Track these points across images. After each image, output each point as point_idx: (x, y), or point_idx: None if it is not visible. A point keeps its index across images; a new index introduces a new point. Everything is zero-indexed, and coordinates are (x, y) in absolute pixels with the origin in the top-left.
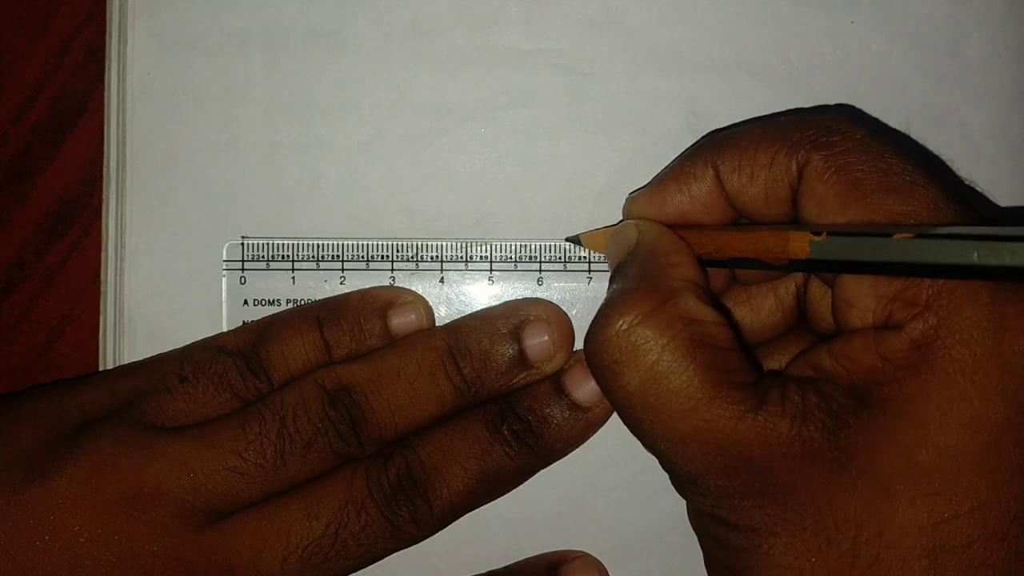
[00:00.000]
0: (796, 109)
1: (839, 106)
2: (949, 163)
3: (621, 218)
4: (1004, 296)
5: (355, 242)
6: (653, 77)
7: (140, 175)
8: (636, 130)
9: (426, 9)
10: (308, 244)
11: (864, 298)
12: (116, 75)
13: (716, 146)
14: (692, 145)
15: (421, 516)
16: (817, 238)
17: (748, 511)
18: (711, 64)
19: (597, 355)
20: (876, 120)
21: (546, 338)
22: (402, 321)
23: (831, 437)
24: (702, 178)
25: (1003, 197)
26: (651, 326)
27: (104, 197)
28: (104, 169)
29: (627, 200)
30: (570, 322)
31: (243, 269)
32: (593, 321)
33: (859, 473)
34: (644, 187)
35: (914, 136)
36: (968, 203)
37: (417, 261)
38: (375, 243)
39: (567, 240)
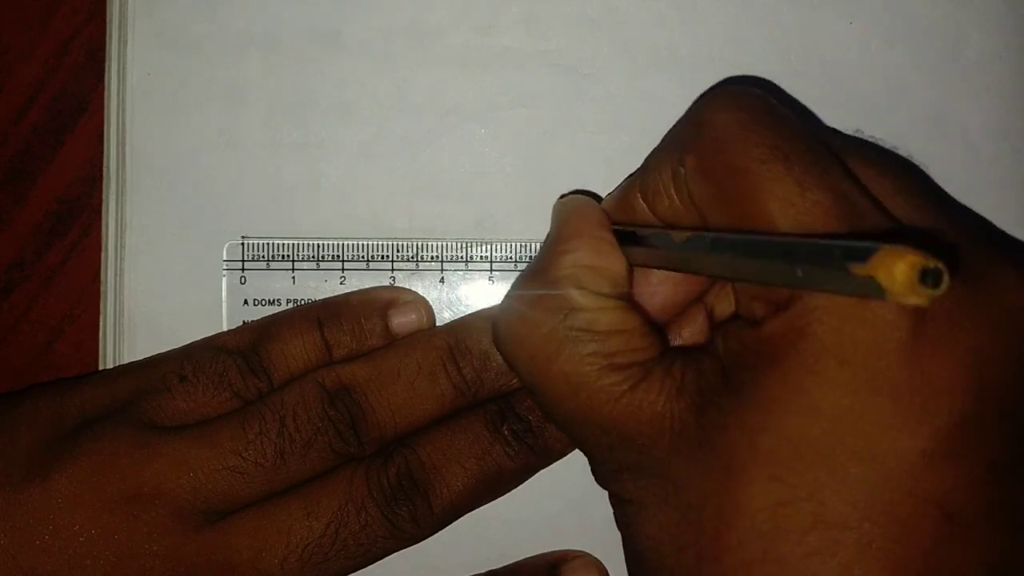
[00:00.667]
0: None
1: (730, 80)
2: (947, 167)
3: None
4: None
5: (355, 242)
6: (653, 77)
7: (140, 175)
8: (636, 130)
9: (426, 9)
10: (308, 244)
11: (737, 291)
12: (116, 75)
13: (637, 175)
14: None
15: (421, 516)
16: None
17: (628, 484)
18: (711, 64)
19: (498, 340)
20: (761, 90)
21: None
22: (403, 321)
23: (697, 415)
24: (638, 209)
25: (1004, 197)
26: (532, 317)
27: (104, 197)
28: (104, 169)
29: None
30: None
31: (243, 269)
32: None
33: (712, 452)
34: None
35: (914, 136)
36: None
37: (417, 261)
38: (375, 243)
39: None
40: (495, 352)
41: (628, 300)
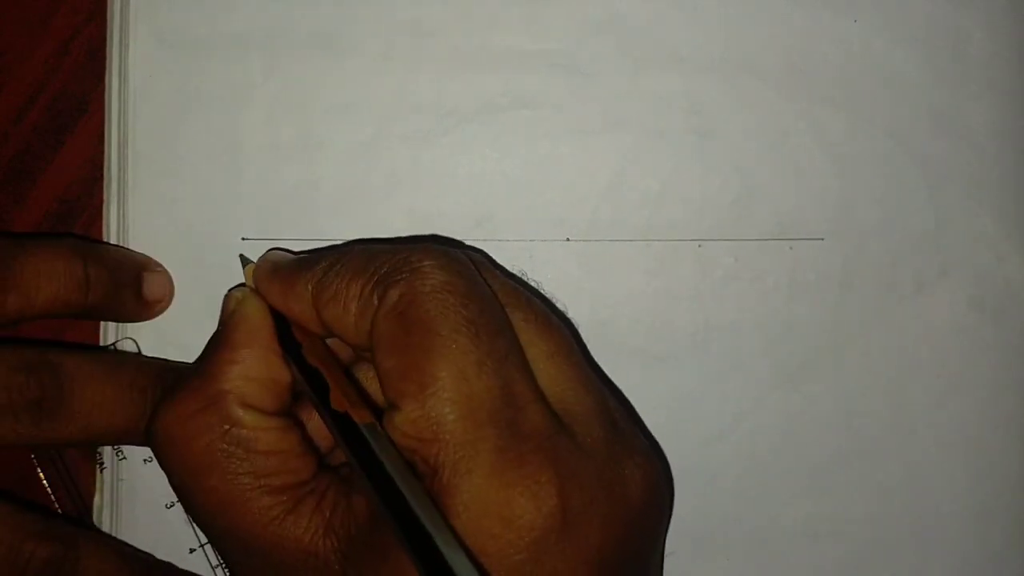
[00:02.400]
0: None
1: (433, 237)
2: (950, 166)
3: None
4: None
5: None
6: (654, 77)
7: (141, 177)
8: (637, 130)
9: (426, 10)
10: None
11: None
12: (117, 77)
13: (321, 269)
14: (318, 251)
15: None
16: (360, 420)
17: None
18: (712, 64)
19: (151, 442)
20: (467, 254)
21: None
22: (154, 282)
23: (342, 561)
24: (300, 298)
25: (1005, 197)
26: (191, 426)
27: (105, 198)
28: (104, 170)
29: (263, 255)
30: None
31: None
32: (159, 399)
33: None
34: (276, 256)
35: (915, 136)
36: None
37: None
38: None
39: (240, 256)
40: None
41: (287, 415)
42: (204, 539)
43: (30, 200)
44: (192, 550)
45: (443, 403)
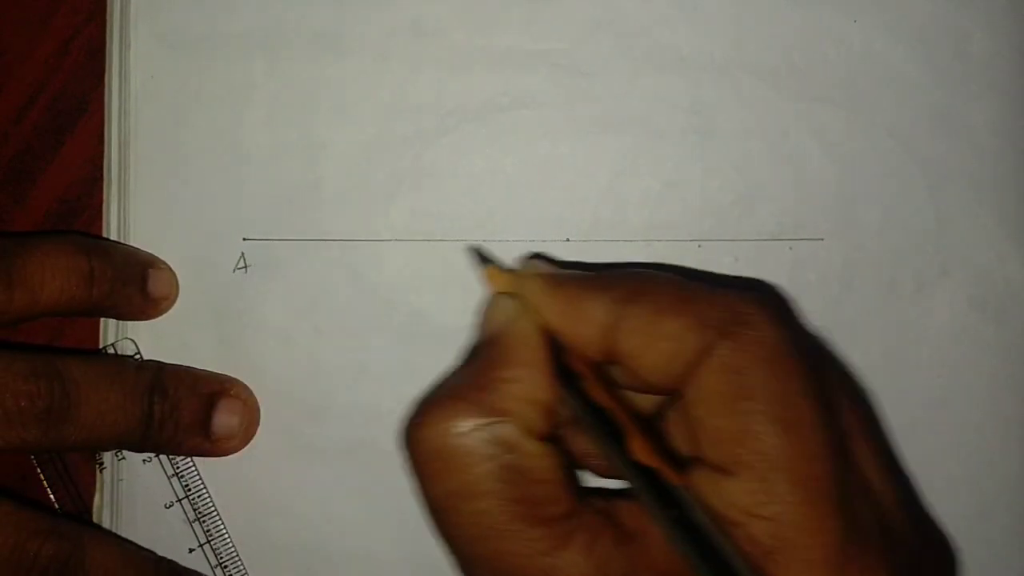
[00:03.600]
0: (712, 275)
1: (755, 283)
2: (951, 165)
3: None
4: None
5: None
6: (655, 77)
7: (142, 178)
8: (638, 130)
9: (427, 10)
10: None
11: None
12: (117, 77)
13: (622, 297)
14: (608, 274)
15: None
16: (677, 481)
17: None
18: (713, 64)
19: (409, 449)
20: (790, 308)
21: (236, 419)
22: (160, 278)
23: None
24: (592, 322)
25: (1005, 197)
26: (466, 443)
27: (105, 198)
28: (105, 171)
29: (528, 265)
30: (259, 412)
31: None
32: (419, 404)
33: None
34: (548, 270)
35: (915, 136)
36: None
37: None
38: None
39: (470, 249)
40: (186, 404)
41: (556, 440)
42: (203, 539)
43: (30, 200)
44: (191, 550)
45: (788, 481)
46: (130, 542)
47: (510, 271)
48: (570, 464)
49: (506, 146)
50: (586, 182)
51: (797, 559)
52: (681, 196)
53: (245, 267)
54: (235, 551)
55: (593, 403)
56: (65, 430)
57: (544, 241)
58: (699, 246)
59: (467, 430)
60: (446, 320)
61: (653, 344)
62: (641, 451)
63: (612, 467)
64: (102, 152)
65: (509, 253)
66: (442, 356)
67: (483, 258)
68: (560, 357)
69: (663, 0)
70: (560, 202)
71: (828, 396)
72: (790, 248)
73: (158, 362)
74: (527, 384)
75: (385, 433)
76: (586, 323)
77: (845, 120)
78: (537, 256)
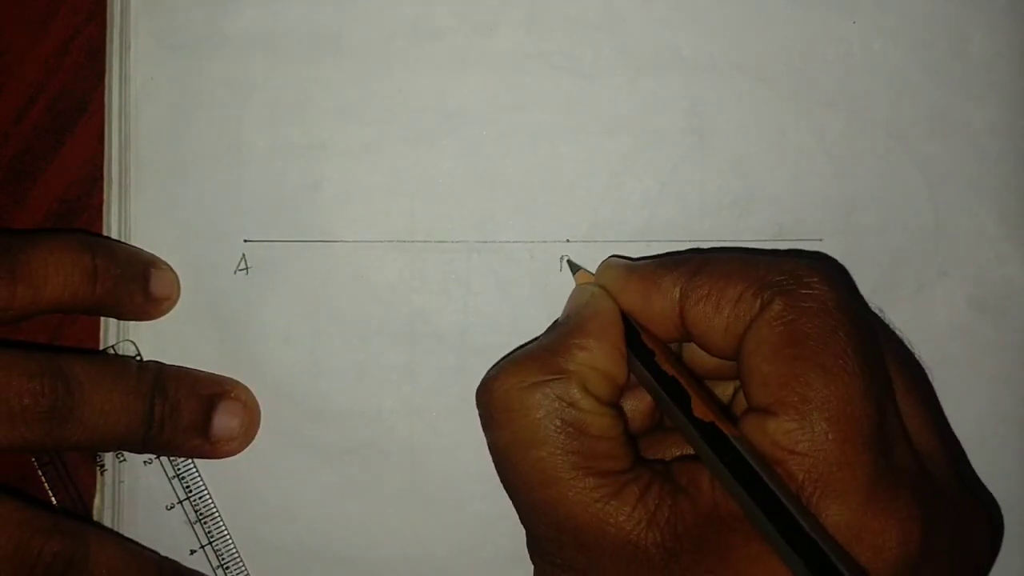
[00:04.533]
0: (775, 250)
1: (816, 254)
2: (950, 165)
3: (609, 254)
4: None
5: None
6: (654, 78)
7: (143, 179)
8: (637, 131)
9: (427, 12)
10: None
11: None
12: (118, 78)
13: (690, 270)
14: (675, 255)
15: None
16: (731, 432)
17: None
18: (712, 65)
19: (480, 401)
20: (849, 278)
21: (236, 421)
22: (162, 278)
23: (664, 554)
24: (665, 295)
25: (1005, 197)
26: (531, 396)
27: (106, 199)
28: (105, 171)
29: (604, 262)
30: (259, 414)
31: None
32: (494, 366)
33: None
34: (625, 261)
35: (915, 136)
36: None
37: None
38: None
39: (568, 262)
40: (186, 406)
41: (617, 407)
42: (204, 541)
43: (30, 200)
44: (193, 551)
45: (825, 420)
46: (133, 541)
47: (582, 270)
48: (627, 431)
49: (506, 147)
50: (586, 182)
51: (831, 492)
52: (680, 197)
53: (246, 269)
54: (236, 552)
55: (662, 373)
56: (68, 430)
57: (544, 241)
58: (699, 246)
59: (533, 383)
60: (446, 320)
61: (719, 309)
62: (700, 410)
63: (676, 426)
64: (102, 152)
65: (509, 253)
66: (442, 356)
67: (574, 267)
68: (635, 339)
69: (663, 1)
70: (560, 202)
71: (874, 351)
72: (790, 248)
73: (159, 363)
74: (595, 353)
75: (385, 433)
76: (660, 299)
77: (844, 120)
78: (616, 257)
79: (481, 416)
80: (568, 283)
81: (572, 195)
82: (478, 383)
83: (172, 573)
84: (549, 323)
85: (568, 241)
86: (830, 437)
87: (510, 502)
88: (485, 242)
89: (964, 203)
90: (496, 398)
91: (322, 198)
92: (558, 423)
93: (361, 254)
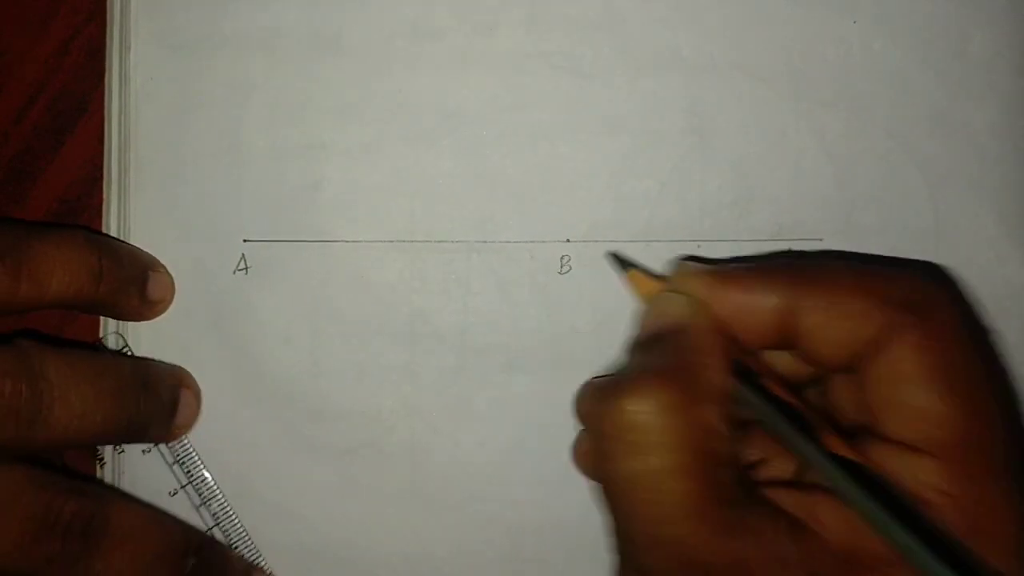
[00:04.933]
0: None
1: (924, 263)
2: (950, 166)
3: (674, 265)
4: None
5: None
6: (654, 78)
7: (142, 179)
8: (637, 131)
9: (427, 11)
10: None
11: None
12: (117, 78)
13: (794, 279)
14: (768, 261)
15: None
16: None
17: None
18: (712, 65)
19: (605, 420)
20: (961, 289)
21: (193, 406)
22: (159, 282)
23: None
24: (765, 304)
25: (1005, 197)
26: (670, 421)
27: (105, 199)
28: (105, 171)
29: (681, 266)
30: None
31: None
32: (614, 380)
33: None
34: (705, 265)
35: (915, 136)
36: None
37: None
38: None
39: (609, 254)
40: (167, 401)
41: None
42: (212, 522)
43: (30, 200)
44: None
45: (980, 463)
46: (157, 508)
47: (658, 275)
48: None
49: (506, 147)
50: (586, 182)
51: (983, 539)
52: (680, 197)
53: (245, 269)
54: (245, 531)
55: (777, 399)
56: (39, 431)
57: (544, 241)
58: (698, 246)
59: (673, 408)
60: (446, 320)
61: (835, 322)
62: (836, 444)
63: (799, 456)
64: (102, 152)
65: (509, 253)
66: (442, 356)
67: (623, 262)
68: (737, 357)
69: (663, 1)
70: (560, 202)
71: (1006, 379)
72: (789, 248)
73: (146, 359)
74: (716, 372)
75: (385, 433)
76: (761, 310)
77: (844, 121)
78: (690, 258)
79: (599, 434)
80: (568, 283)
81: (572, 195)
82: (478, 383)
83: (198, 543)
84: (549, 323)
85: (568, 241)
86: (986, 482)
87: (510, 502)
88: (485, 242)
89: (964, 203)
90: (627, 418)
91: (322, 198)
92: (697, 454)
93: (361, 254)
